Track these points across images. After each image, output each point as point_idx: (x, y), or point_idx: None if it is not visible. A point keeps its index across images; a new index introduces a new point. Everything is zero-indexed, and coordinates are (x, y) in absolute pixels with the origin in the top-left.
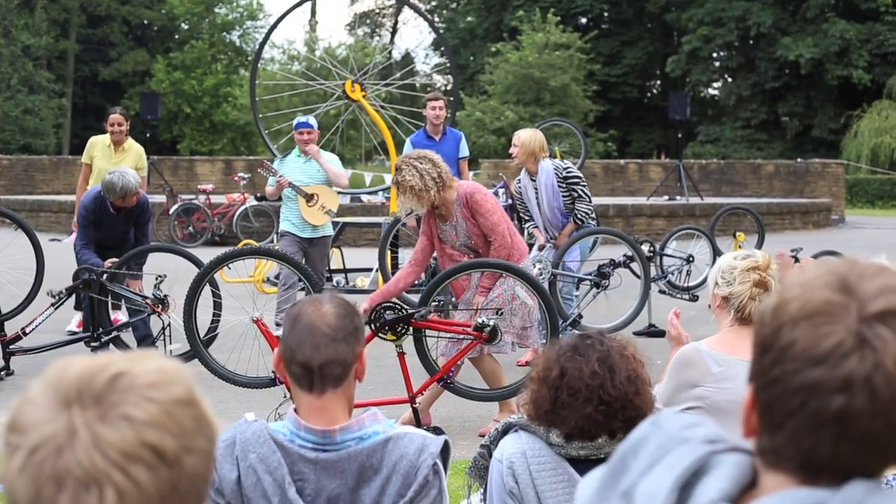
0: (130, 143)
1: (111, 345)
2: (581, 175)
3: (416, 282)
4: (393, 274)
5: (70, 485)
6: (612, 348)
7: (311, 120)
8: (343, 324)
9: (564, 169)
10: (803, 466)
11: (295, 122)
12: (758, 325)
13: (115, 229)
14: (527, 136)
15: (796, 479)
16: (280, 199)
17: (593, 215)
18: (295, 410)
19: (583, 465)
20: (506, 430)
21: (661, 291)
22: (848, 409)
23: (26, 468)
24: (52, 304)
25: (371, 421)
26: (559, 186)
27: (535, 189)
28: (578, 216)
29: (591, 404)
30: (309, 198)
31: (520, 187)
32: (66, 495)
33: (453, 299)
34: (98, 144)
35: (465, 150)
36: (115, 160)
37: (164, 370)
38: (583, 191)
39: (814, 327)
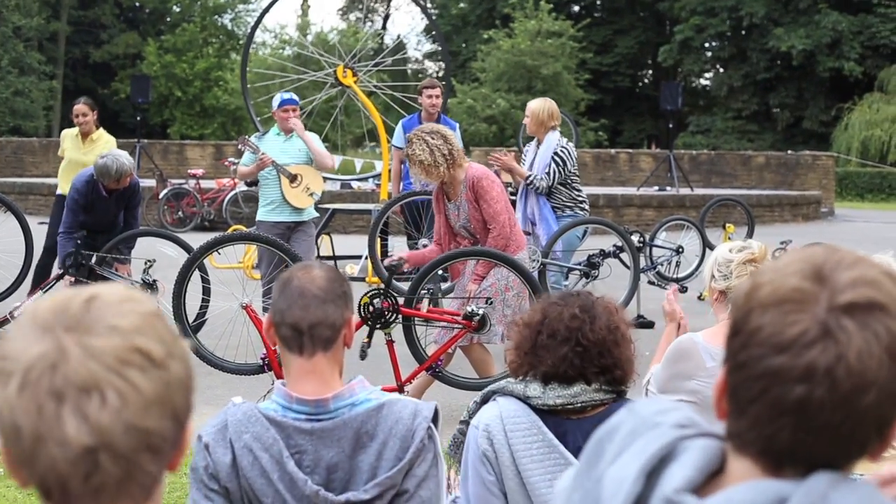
0: (100, 133)
1: None
2: (565, 160)
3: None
4: (382, 261)
5: (71, 395)
6: (597, 301)
7: (295, 96)
8: (332, 287)
9: (561, 147)
10: (764, 453)
11: (277, 99)
12: (732, 309)
13: (107, 212)
14: (536, 106)
15: (760, 465)
16: (256, 182)
17: (585, 205)
18: (283, 385)
19: (559, 422)
20: (484, 401)
21: (651, 282)
22: (808, 398)
23: (24, 388)
24: (41, 288)
25: (360, 387)
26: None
27: (535, 156)
28: (531, 179)
29: (569, 345)
30: (293, 178)
31: (525, 149)
32: (68, 406)
33: (443, 285)
34: (68, 136)
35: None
36: (84, 150)
37: (128, 292)
38: (555, 170)
39: (781, 314)
